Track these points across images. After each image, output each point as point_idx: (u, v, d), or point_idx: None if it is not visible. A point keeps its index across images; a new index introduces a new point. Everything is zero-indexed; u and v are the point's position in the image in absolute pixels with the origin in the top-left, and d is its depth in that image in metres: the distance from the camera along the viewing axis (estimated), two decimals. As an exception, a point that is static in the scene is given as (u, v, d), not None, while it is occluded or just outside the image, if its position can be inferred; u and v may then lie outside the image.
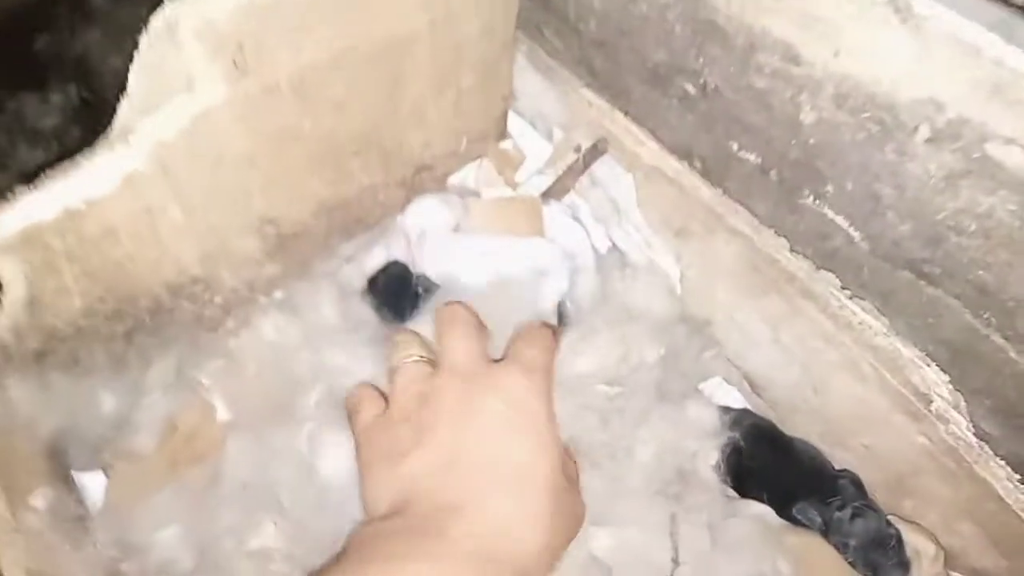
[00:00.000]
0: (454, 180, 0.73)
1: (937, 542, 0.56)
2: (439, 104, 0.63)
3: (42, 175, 0.47)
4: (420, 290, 0.67)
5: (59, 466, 0.54)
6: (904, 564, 0.55)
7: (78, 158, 0.47)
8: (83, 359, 0.55)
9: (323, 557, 0.46)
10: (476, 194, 0.73)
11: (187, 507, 0.56)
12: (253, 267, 0.62)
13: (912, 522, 0.57)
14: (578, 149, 0.64)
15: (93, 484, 0.56)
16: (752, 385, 0.65)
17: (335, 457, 0.54)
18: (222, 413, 0.61)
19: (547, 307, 0.66)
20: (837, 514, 0.57)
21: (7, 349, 0.50)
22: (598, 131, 0.63)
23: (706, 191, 0.58)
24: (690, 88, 0.54)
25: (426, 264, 0.68)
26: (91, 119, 0.88)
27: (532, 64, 0.65)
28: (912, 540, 0.56)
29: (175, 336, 0.61)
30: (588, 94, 0.62)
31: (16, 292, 0.47)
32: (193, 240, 0.54)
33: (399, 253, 0.70)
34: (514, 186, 0.72)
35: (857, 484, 0.59)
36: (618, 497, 0.55)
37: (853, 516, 0.56)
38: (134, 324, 0.57)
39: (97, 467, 0.56)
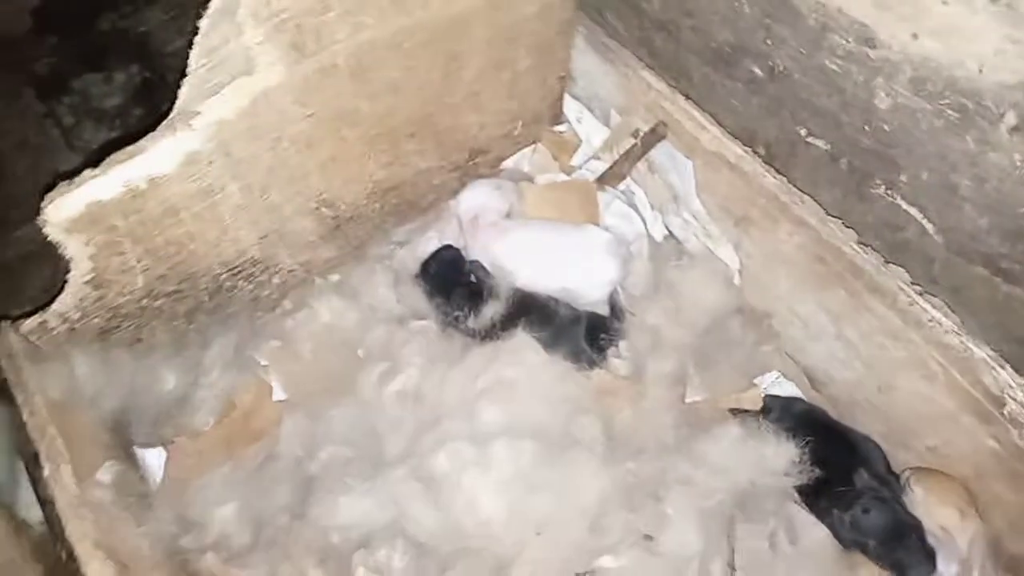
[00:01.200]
0: (508, 164, 0.72)
1: (964, 502, 0.53)
2: (494, 86, 0.62)
3: (106, 155, 0.47)
4: (473, 277, 0.67)
5: (122, 442, 0.55)
6: (929, 554, 0.53)
7: (141, 139, 0.47)
8: (145, 337, 0.57)
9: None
10: (530, 179, 0.72)
11: (244, 484, 0.57)
12: (309, 249, 0.62)
13: (933, 475, 0.55)
14: (636, 134, 0.62)
15: (153, 460, 0.57)
16: (811, 381, 0.63)
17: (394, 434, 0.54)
18: (278, 393, 0.62)
19: (600, 295, 0.65)
20: (849, 513, 0.55)
21: (73, 326, 0.51)
22: (658, 115, 0.61)
23: (770, 179, 0.56)
24: (757, 70, 0.53)
25: (479, 250, 0.67)
26: (152, 99, 0.89)
27: (591, 45, 0.63)
28: (936, 516, 0.53)
29: (234, 316, 0.62)
30: (648, 76, 0.61)
31: (81, 270, 0.48)
32: (252, 220, 0.55)
33: (452, 238, 0.69)
34: (569, 171, 0.71)
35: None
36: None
37: (865, 511, 0.54)
38: (194, 304, 0.58)
39: (158, 443, 0.57)
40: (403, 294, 0.65)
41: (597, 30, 0.63)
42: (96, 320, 0.52)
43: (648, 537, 0.53)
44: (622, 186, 0.68)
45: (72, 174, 0.47)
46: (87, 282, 0.49)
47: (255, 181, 0.52)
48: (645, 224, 0.67)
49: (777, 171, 0.56)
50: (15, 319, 0.50)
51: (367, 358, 0.61)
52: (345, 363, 0.62)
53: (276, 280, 0.62)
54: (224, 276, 0.58)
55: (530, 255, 0.66)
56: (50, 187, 0.46)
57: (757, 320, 0.64)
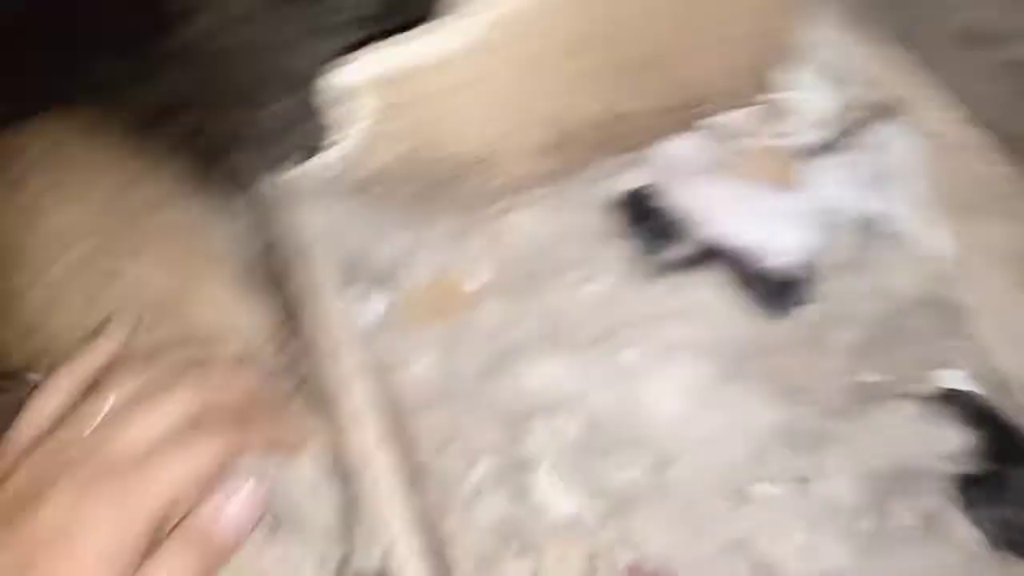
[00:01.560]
0: (719, 120, 0.75)
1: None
2: (729, 38, 0.65)
3: (388, 34, 0.55)
4: (666, 221, 0.70)
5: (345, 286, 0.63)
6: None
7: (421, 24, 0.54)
8: (384, 203, 0.65)
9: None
10: (737, 139, 0.75)
11: (438, 346, 0.64)
12: (530, 160, 0.68)
13: None
14: (866, 107, 0.63)
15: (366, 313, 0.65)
16: (1005, 388, 0.61)
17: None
18: (474, 283, 0.68)
19: (789, 259, 0.67)
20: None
21: (335, 175, 0.60)
22: (893, 92, 0.62)
23: (1005, 169, 0.55)
24: (1016, 54, 0.52)
25: (675, 197, 0.71)
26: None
27: (834, 14, 0.65)
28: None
29: (453, 205, 0.69)
30: (890, 51, 0.61)
31: (360, 126, 0.56)
32: (497, 117, 0.61)
33: (654, 180, 0.73)
34: (780, 137, 0.73)
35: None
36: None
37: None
38: (429, 182, 0.65)
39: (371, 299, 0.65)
40: (601, 222, 0.70)
41: (845, -1, 0.65)
42: (349, 179, 0.60)
43: (804, 480, 0.55)
44: (835, 159, 0.69)
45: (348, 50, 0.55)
46: (352, 143, 0.57)
47: (510, 81, 0.58)
48: (853, 199, 0.68)
49: (1016, 163, 0.55)
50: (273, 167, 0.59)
51: (563, 267, 0.66)
52: (541, 269, 0.67)
53: (495, 182, 0.69)
54: (458, 166, 0.65)
55: (727, 209, 0.69)
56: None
57: (953, 314, 0.63)
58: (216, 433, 0.40)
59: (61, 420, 0.39)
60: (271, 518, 0.48)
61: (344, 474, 0.60)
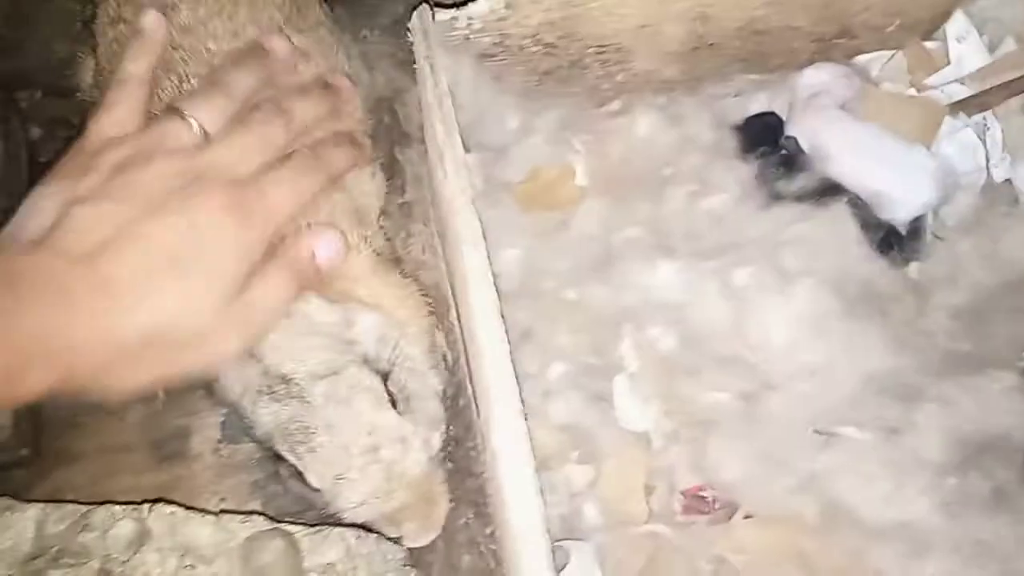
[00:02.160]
0: (861, 60, 0.71)
1: None
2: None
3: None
4: (784, 151, 0.67)
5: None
6: None
7: None
8: (505, 78, 0.62)
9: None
10: (875, 83, 0.71)
11: (533, 238, 0.62)
12: (661, 61, 0.65)
13: None
14: (1021, 68, 0.59)
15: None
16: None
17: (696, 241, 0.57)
18: (580, 178, 0.66)
19: (908, 213, 0.65)
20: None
21: (469, 36, 0.57)
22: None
23: None
24: None
25: (801, 129, 0.68)
26: None
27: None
28: None
29: (572, 96, 0.66)
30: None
31: (508, -13, 0.53)
32: (646, 2, 0.58)
33: (781, 107, 0.70)
34: (921, 88, 0.69)
35: None
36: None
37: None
38: (554, 66, 0.62)
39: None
40: (720, 139, 0.67)
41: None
42: (487, 39, 0.57)
43: (894, 430, 0.54)
44: (977, 118, 0.65)
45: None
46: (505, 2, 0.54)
47: (674, -35, 0.54)
48: (988, 162, 0.65)
49: None
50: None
51: (675, 177, 0.64)
52: (652, 175, 0.65)
53: (620, 77, 0.66)
54: (590, 51, 0.62)
55: (852, 151, 0.66)
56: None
57: (1065, 297, 0.61)
58: (314, 167, 0.41)
59: (134, 128, 0.39)
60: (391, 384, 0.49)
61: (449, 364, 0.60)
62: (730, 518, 0.57)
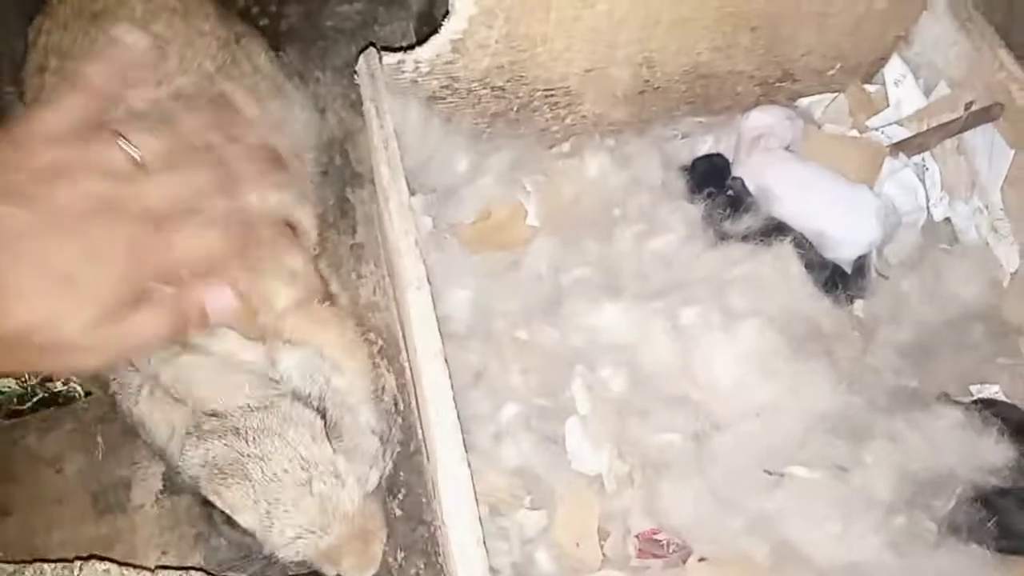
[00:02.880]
0: (803, 103, 0.73)
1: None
2: (845, 16, 0.63)
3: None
4: (731, 192, 0.68)
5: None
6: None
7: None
8: (454, 120, 0.62)
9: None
10: (818, 125, 0.73)
11: (482, 280, 0.62)
12: (609, 103, 0.66)
13: None
14: (968, 106, 0.62)
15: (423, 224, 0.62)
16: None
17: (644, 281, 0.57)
18: (531, 219, 0.66)
19: (853, 252, 0.66)
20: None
21: (416, 79, 0.57)
22: (997, 97, 0.60)
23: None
24: None
25: (747, 170, 0.69)
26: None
27: (950, 10, 0.63)
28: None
29: (521, 138, 0.66)
30: (1004, 55, 0.59)
31: (454, 27, 0.53)
32: (592, 49, 0.59)
33: (727, 149, 0.71)
34: (862, 130, 0.71)
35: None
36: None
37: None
38: (503, 109, 0.63)
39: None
40: (668, 180, 0.68)
41: (965, -2, 0.63)
42: (434, 83, 0.58)
43: (842, 468, 0.54)
44: (917, 158, 0.67)
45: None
46: (452, 41, 0.54)
47: (618, 10, 0.56)
48: (928, 201, 0.66)
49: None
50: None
51: (624, 218, 0.64)
52: (601, 216, 0.65)
53: (569, 120, 0.66)
54: (539, 94, 0.62)
55: (797, 191, 0.67)
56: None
57: (1005, 333, 0.63)
58: (231, 231, 0.41)
59: (77, 138, 0.38)
60: (323, 419, 0.49)
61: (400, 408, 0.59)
62: (684, 561, 0.56)
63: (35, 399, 0.68)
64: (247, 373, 0.48)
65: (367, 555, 0.50)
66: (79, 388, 0.68)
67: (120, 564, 0.48)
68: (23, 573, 0.47)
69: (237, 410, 0.47)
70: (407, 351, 0.66)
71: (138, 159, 0.39)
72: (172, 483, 0.63)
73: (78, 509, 0.63)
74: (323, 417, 0.49)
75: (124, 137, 0.39)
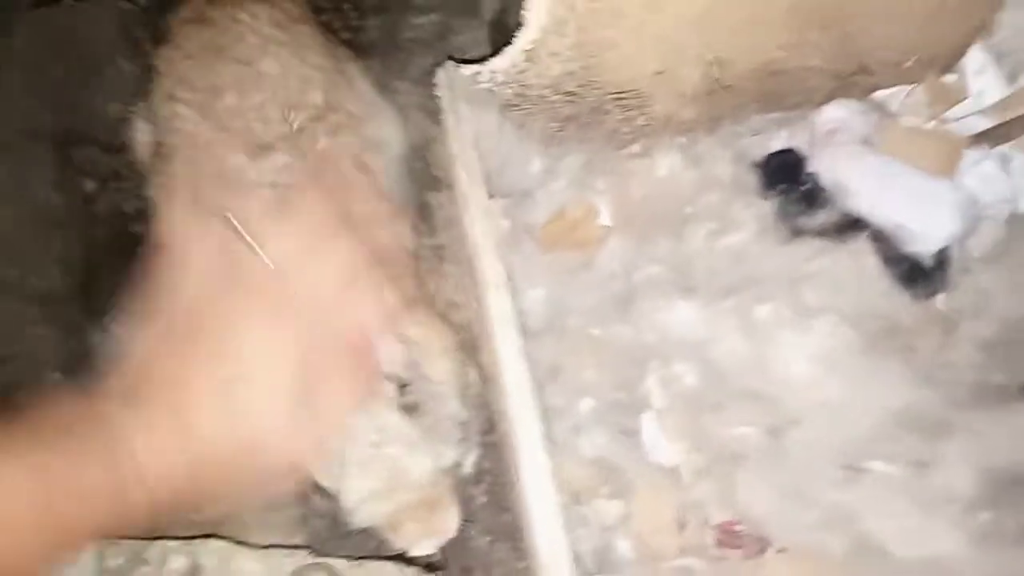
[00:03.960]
0: (880, 95, 0.72)
1: None
2: (918, 7, 0.62)
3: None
4: (805, 187, 0.68)
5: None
6: None
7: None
8: (528, 125, 0.64)
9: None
10: (894, 118, 0.72)
11: (558, 278, 0.64)
12: (679, 103, 0.67)
13: None
14: (1043, 99, 0.60)
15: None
16: None
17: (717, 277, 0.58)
18: (604, 219, 0.68)
19: (932, 246, 0.65)
20: None
21: (492, 88, 0.59)
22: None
23: None
24: None
25: (822, 165, 0.69)
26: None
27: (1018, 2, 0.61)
28: None
29: (592, 140, 0.68)
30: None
31: (528, 37, 0.55)
32: (662, 51, 0.60)
33: (800, 144, 0.71)
34: (940, 122, 0.70)
35: None
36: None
37: None
38: (575, 113, 0.64)
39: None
40: (739, 177, 0.68)
41: (1050, -18, 0.61)
42: (508, 92, 0.60)
43: (923, 464, 0.54)
44: (999, 149, 0.66)
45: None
46: (525, 51, 0.56)
47: (686, 14, 0.57)
48: (1007, 194, 0.65)
49: None
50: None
51: (695, 216, 0.65)
52: (673, 214, 0.66)
53: (640, 121, 0.67)
54: (609, 98, 0.64)
55: (874, 186, 0.67)
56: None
57: (1094, 326, 0.61)
58: (384, 288, 0.44)
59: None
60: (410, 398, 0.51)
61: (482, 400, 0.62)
62: (763, 553, 0.57)
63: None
64: None
65: (431, 524, 0.51)
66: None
67: (235, 542, 0.52)
68: (149, 549, 0.51)
69: None
70: (488, 347, 0.69)
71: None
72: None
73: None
74: (410, 396, 0.51)
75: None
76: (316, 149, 0.56)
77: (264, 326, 0.39)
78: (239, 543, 0.52)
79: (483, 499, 0.63)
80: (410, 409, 0.51)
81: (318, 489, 0.52)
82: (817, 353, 0.54)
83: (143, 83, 0.68)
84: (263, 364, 0.39)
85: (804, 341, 0.54)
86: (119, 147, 0.84)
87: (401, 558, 0.55)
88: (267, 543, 0.55)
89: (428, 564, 0.55)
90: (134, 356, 0.39)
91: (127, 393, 0.37)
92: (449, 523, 0.53)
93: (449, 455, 0.54)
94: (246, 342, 0.39)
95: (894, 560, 0.52)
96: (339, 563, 0.53)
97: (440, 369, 0.56)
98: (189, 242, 0.41)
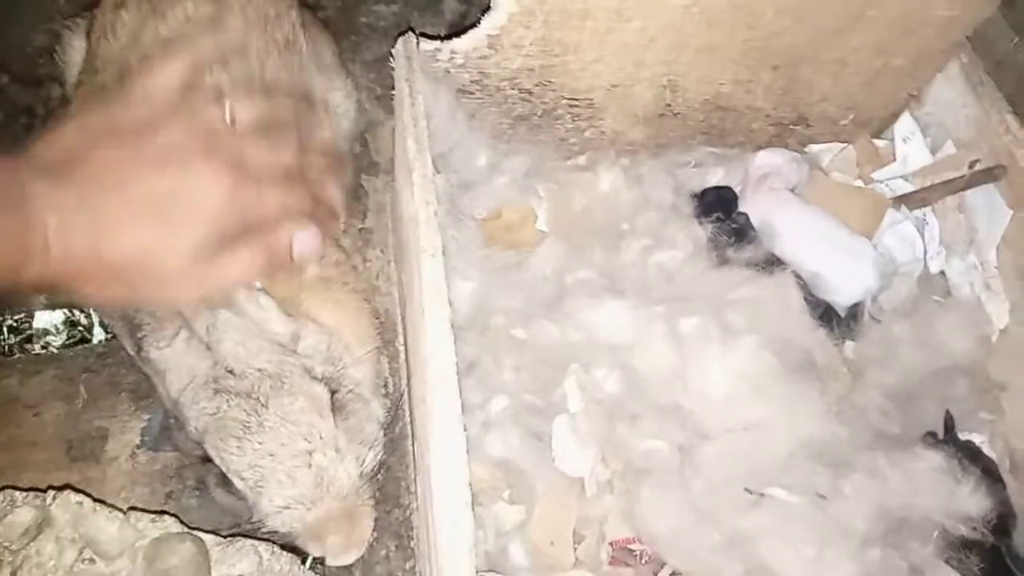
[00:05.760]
0: (813, 149, 0.75)
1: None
2: (864, 67, 0.66)
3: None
4: (735, 225, 0.70)
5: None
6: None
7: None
8: (480, 116, 0.64)
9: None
10: (825, 172, 0.75)
11: (488, 275, 0.63)
12: (629, 122, 0.68)
13: None
14: (972, 165, 0.64)
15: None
16: (1014, 466, 0.62)
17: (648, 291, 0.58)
18: (541, 224, 0.67)
19: (848, 297, 0.67)
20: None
21: (449, 69, 0.58)
22: (1001, 160, 0.63)
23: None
24: None
25: (753, 207, 0.71)
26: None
27: (964, 74, 0.66)
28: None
29: (540, 144, 0.68)
30: (1011, 121, 0.62)
31: (494, 22, 0.55)
32: (620, 65, 0.61)
33: (735, 183, 0.73)
34: (867, 181, 0.73)
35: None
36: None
37: None
38: (526, 113, 0.64)
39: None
40: (677, 204, 0.70)
41: (978, 63, 0.65)
42: (466, 76, 0.59)
43: (822, 496, 0.54)
44: (918, 212, 0.69)
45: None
46: (489, 36, 0.56)
47: (651, 28, 0.58)
48: (925, 254, 0.68)
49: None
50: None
51: (632, 232, 0.66)
52: (610, 228, 0.67)
53: (588, 133, 0.68)
54: (563, 103, 0.64)
55: (799, 233, 0.69)
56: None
57: (989, 388, 0.64)
58: (304, 198, 0.44)
59: (178, 94, 0.42)
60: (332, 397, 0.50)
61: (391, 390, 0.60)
62: (656, 574, 0.56)
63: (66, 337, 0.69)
64: (272, 342, 0.50)
65: (353, 536, 0.50)
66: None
67: (94, 499, 0.47)
68: (-10, 499, 0.46)
69: (254, 372, 0.48)
70: (405, 335, 0.66)
71: (231, 116, 0.42)
72: (151, 439, 0.63)
73: (52, 454, 0.62)
74: (332, 395, 0.50)
75: (224, 97, 0.43)
76: (267, 77, 0.54)
77: (208, 170, 0.40)
78: (98, 500, 0.47)
79: (375, 493, 0.60)
80: (337, 411, 0.50)
81: (222, 483, 0.49)
82: (737, 371, 0.54)
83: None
84: (193, 200, 0.39)
85: (726, 358, 0.54)
86: (35, 80, 0.79)
87: (271, 541, 0.51)
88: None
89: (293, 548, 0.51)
90: (68, 138, 0.39)
91: (51, 169, 0.38)
92: (368, 532, 0.51)
93: (369, 457, 0.52)
94: (187, 173, 0.40)
95: (786, 590, 0.52)
96: (208, 538, 0.49)
97: (367, 371, 0.55)
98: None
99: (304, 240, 0.43)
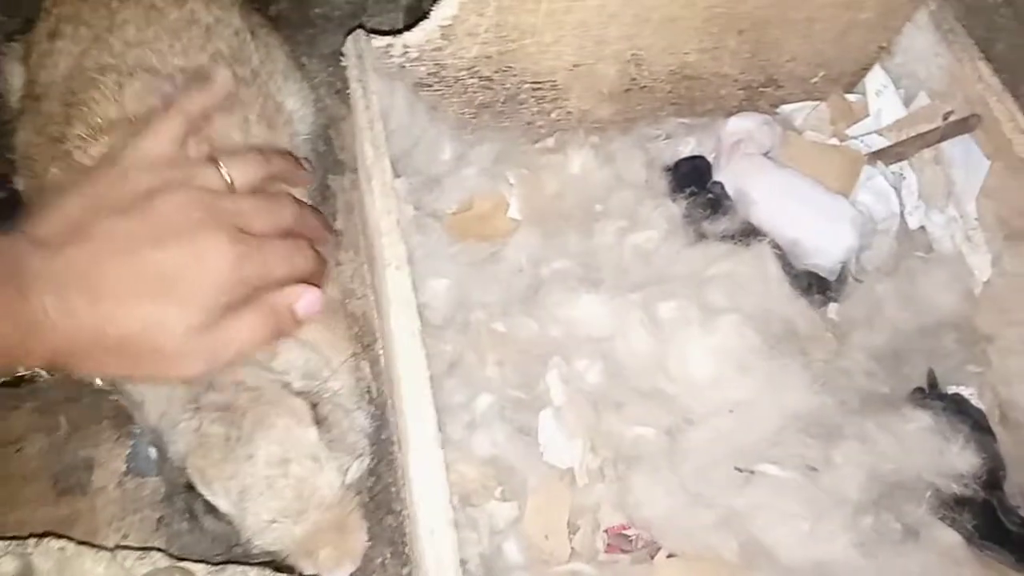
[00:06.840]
0: (785, 110, 0.74)
1: None
2: (831, 23, 0.64)
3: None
4: (710, 195, 0.69)
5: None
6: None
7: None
8: (441, 109, 0.62)
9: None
10: (798, 132, 0.74)
11: (461, 271, 0.62)
12: (595, 100, 0.66)
13: None
14: (946, 116, 0.63)
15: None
16: (1004, 417, 0.62)
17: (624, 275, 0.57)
18: (513, 212, 0.66)
19: (829, 260, 0.66)
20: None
21: (404, 64, 0.57)
22: (975, 108, 0.61)
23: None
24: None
25: (727, 174, 0.70)
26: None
27: (933, 22, 0.64)
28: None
29: (507, 131, 0.67)
30: (983, 68, 0.61)
31: (444, 13, 0.53)
32: (581, 44, 0.59)
33: (709, 151, 0.72)
34: (842, 139, 0.72)
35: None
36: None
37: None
38: (490, 99, 0.63)
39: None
40: (650, 179, 0.68)
41: (948, 9, 0.64)
42: (422, 69, 0.57)
43: (813, 468, 0.54)
44: (895, 167, 0.68)
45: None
46: (441, 27, 0.54)
47: (610, 5, 0.56)
48: (903, 209, 0.67)
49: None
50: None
51: (605, 214, 0.65)
52: (583, 211, 0.65)
53: (554, 115, 0.67)
54: (526, 87, 0.62)
55: (775, 198, 0.68)
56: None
57: (975, 341, 0.64)
58: (304, 254, 0.45)
59: (173, 159, 0.43)
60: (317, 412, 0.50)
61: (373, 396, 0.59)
62: (652, 557, 0.56)
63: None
64: (250, 362, 0.49)
65: (346, 548, 0.49)
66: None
67: (78, 543, 0.47)
68: (-28, 548, 0.45)
69: (231, 386, 0.47)
70: (383, 338, 0.65)
71: (228, 180, 0.43)
72: (137, 465, 0.62)
73: (38, 489, 0.61)
74: (314, 407, 0.49)
75: (217, 162, 0.43)
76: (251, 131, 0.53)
77: (213, 241, 0.40)
78: (82, 543, 0.47)
79: (366, 501, 0.60)
80: (320, 423, 0.49)
81: (209, 510, 0.48)
82: (719, 352, 0.53)
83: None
84: (196, 272, 0.39)
85: (707, 340, 0.54)
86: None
87: (264, 563, 0.51)
88: (117, 545, 0.50)
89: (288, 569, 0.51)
90: (65, 211, 0.39)
91: (50, 245, 0.38)
92: (360, 544, 0.50)
93: (354, 467, 0.51)
94: (191, 245, 0.39)
95: (782, 565, 0.52)
96: (198, 568, 0.49)
97: (347, 382, 0.54)
98: None
99: (307, 299, 0.43)
